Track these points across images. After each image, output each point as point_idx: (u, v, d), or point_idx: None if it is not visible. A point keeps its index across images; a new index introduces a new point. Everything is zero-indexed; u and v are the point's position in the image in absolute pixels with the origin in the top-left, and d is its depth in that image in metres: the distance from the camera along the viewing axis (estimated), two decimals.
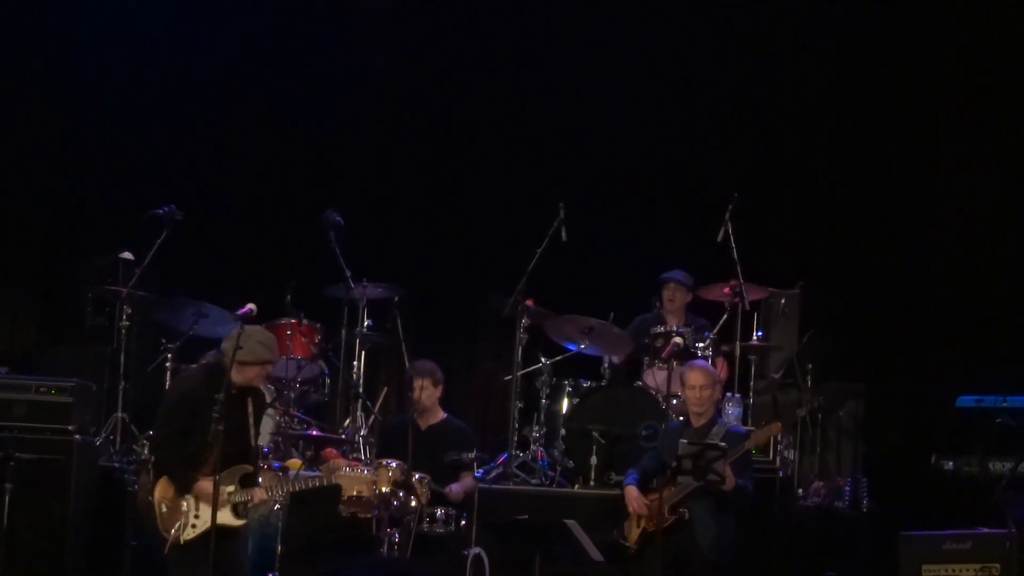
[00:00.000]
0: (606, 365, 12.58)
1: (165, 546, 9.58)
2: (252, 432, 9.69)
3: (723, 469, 10.15)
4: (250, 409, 9.67)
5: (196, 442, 9.44)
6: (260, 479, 9.78)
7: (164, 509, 9.61)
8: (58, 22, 14.44)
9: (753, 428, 11.37)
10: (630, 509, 10.62)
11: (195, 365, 10.01)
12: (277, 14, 14.45)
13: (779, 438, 11.87)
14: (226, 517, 9.50)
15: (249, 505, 9.63)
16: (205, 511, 9.44)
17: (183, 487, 9.57)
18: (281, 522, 10.52)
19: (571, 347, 12.45)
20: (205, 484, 9.48)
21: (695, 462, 10.15)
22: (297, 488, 9.92)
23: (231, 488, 9.55)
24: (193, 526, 9.52)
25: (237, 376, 9.55)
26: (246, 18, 14.32)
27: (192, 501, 9.55)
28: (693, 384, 10.79)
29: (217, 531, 9.37)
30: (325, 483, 10.25)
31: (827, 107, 14.06)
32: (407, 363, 12.18)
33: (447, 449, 11.35)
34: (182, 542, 9.53)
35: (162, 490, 9.65)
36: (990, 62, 13.48)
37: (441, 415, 11.72)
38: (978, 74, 13.56)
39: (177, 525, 9.54)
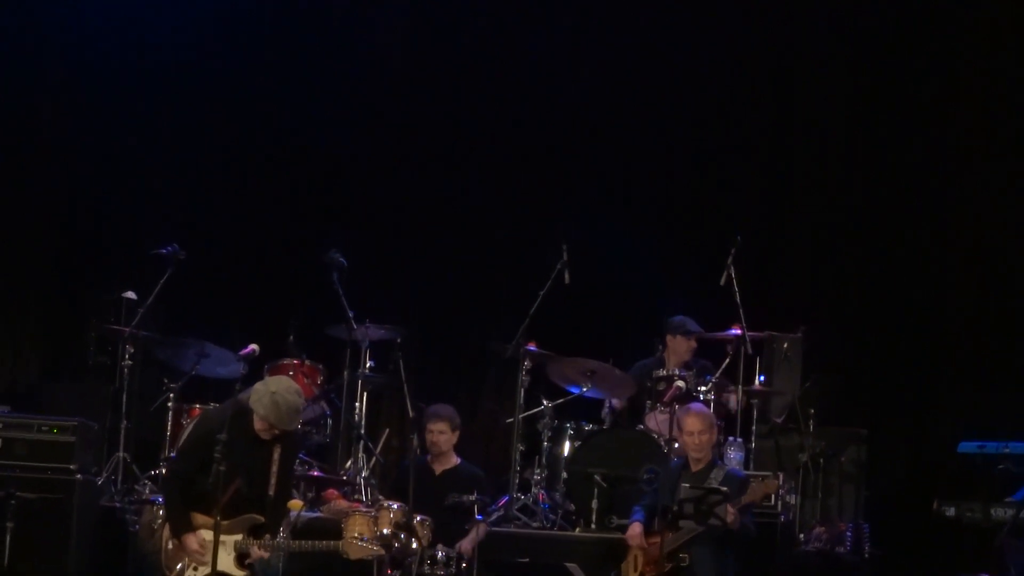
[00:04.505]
0: (607, 409, 12.58)
1: None
2: (273, 480, 9.52)
3: (725, 513, 10.13)
4: (275, 456, 9.52)
5: (210, 480, 9.28)
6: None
7: (170, 547, 9.61)
8: (64, 58, 14.49)
9: (751, 473, 11.39)
10: (631, 544, 10.59)
11: (227, 401, 9.90)
12: (279, 55, 14.48)
13: (780, 481, 11.85)
14: (228, 565, 9.45)
15: (248, 560, 9.53)
16: (210, 556, 9.34)
17: (175, 530, 9.49)
18: (282, 562, 10.48)
19: (574, 390, 12.44)
20: (189, 539, 9.41)
21: (697, 506, 10.14)
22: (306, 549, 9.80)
23: (238, 537, 9.48)
24: (195, 568, 9.48)
25: (255, 422, 9.49)
26: (248, 58, 14.36)
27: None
28: (691, 430, 10.77)
29: None
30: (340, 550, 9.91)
31: (830, 151, 14.06)
32: (409, 405, 12.17)
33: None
34: None
35: None
36: (1003, 104, 13.51)
37: (455, 460, 11.69)
38: (989, 115, 13.58)
39: (179, 565, 9.52)
